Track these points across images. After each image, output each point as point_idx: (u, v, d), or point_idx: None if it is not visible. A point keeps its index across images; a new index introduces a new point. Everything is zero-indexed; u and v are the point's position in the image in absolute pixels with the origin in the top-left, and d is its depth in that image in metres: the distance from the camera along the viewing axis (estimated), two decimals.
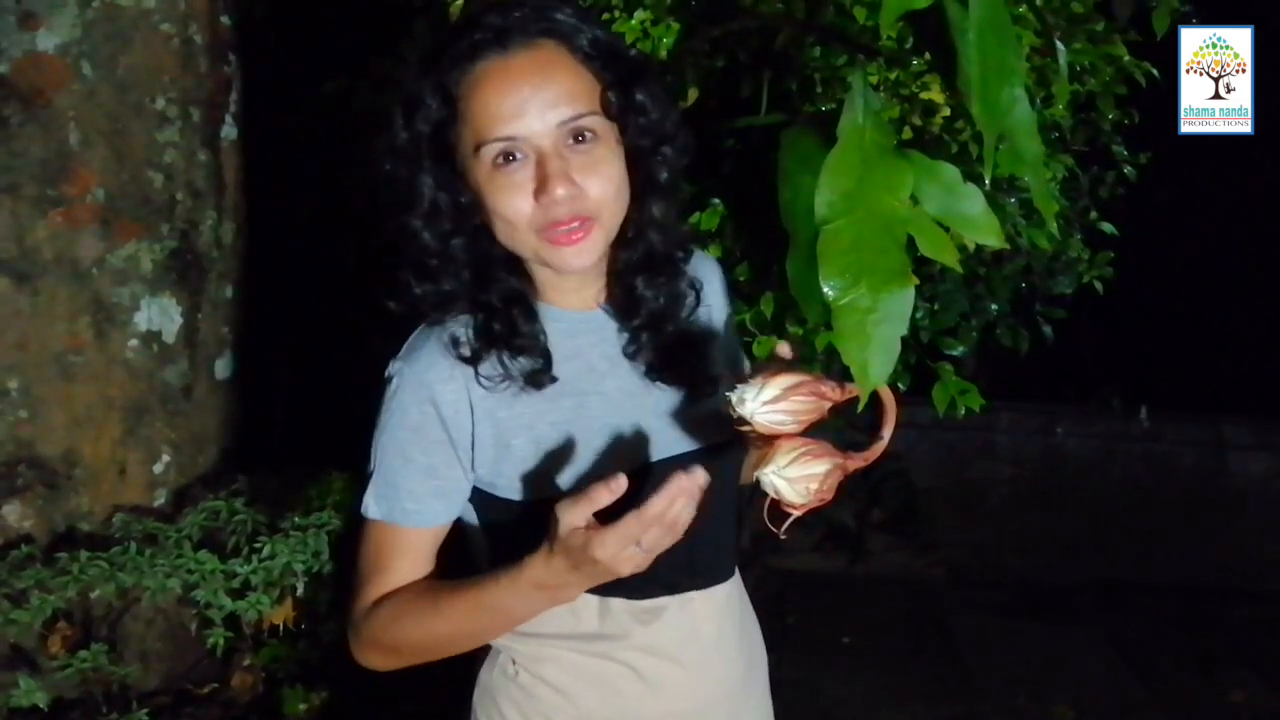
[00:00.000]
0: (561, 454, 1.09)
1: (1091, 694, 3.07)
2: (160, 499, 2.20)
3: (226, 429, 2.34)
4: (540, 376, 1.07)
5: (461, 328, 1.08)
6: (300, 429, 2.50)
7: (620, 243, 1.08)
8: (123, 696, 2.04)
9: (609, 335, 1.13)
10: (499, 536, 1.13)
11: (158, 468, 2.20)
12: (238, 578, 1.97)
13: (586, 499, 0.96)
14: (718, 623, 1.18)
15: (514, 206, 1.00)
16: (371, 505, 1.11)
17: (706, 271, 1.22)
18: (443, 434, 1.08)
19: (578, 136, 1.00)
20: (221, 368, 2.31)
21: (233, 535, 2.05)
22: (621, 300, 1.12)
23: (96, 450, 2.14)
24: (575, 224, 1.01)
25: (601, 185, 1.01)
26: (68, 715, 2.04)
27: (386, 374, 1.10)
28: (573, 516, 0.96)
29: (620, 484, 0.95)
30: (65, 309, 2.08)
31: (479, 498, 1.13)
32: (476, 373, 1.06)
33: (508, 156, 0.99)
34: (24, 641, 2.05)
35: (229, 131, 2.27)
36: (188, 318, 2.20)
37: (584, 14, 1.04)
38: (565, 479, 1.09)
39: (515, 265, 1.09)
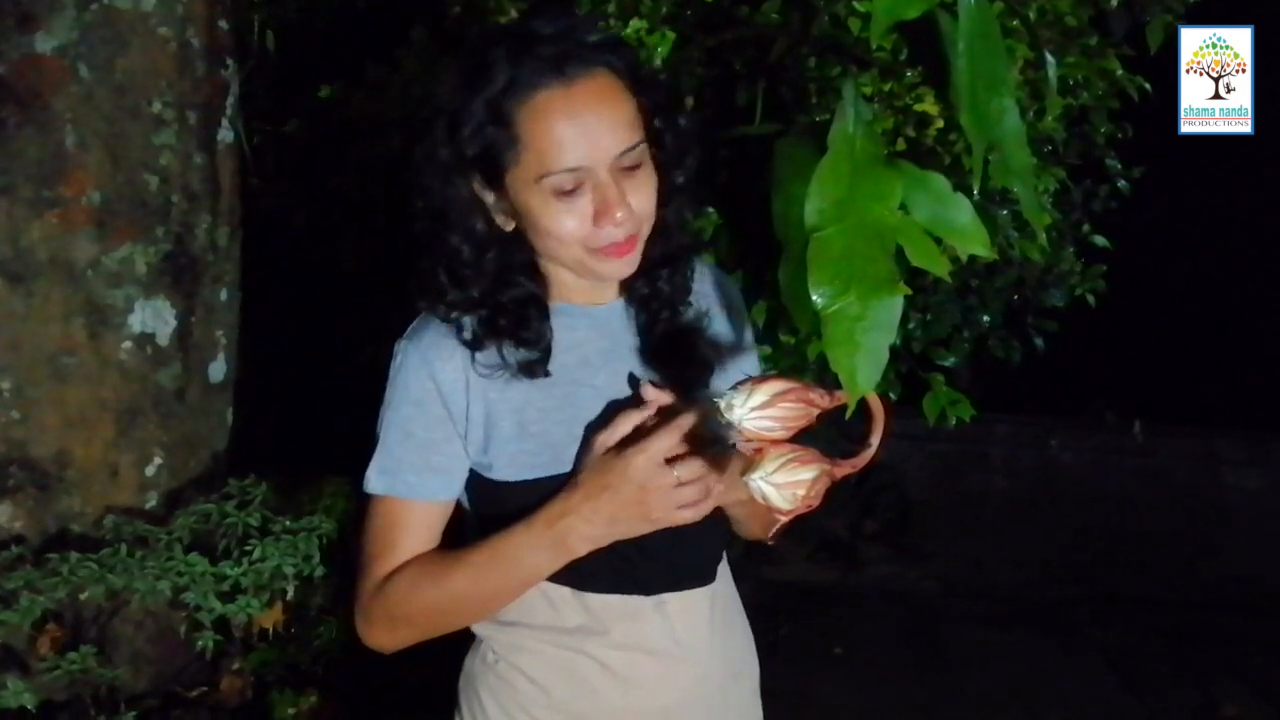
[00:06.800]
0: (545, 439, 1.12)
1: (1083, 707, 3.08)
2: (152, 501, 2.20)
3: (219, 432, 2.34)
4: (535, 367, 1.11)
5: (467, 315, 1.13)
6: (293, 433, 2.50)
7: (647, 242, 1.13)
8: (111, 699, 2.03)
9: (610, 331, 1.17)
10: (489, 520, 1.16)
11: (150, 470, 2.20)
12: (228, 580, 1.97)
13: (621, 417, 1.07)
14: (695, 625, 1.19)
15: (567, 227, 1.05)
16: (374, 478, 1.15)
17: (723, 285, 1.27)
18: (442, 410, 1.12)
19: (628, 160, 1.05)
20: (215, 371, 2.30)
21: (223, 538, 2.04)
22: (642, 293, 1.17)
23: (88, 452, 2.13)
24: (626, 241, 1.06)
25: (646, 203, 1.07)
26: (56, 717, 2.03)
27: (393, 351, 1.15)
28: (605, 436, 1.07)
29: (653, 403, 1.07)
30: (59, 310, 2.08)
31: (473, 479, 1.16)
32: (474, 358, 1.11)
33: (568, 183, 1.03)
34: (13, 642, 2.04)
35: (225, 135, 2.27)
36: (182, 320, 2.20)
37: (619, 37, 1.14)
38: (548, 464, 1.12)
39: (534, 267, 1.14)
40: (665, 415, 1.06)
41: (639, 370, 1.16)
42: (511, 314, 1.11)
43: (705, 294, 1.23)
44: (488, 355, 1.11)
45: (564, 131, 1.01)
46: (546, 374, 1.12)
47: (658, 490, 1.03)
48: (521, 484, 1.12)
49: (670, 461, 1.04)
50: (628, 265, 1.09)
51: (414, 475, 1.13)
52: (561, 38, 1.03)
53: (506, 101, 1.02)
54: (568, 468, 1.11)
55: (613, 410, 1.11)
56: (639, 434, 1.06)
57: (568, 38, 1.03)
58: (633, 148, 1.04)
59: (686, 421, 1.04)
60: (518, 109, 1.02)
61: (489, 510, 1.16)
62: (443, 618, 1.15)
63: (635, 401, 1.12)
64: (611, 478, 1.04)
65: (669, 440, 1.03)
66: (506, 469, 1.13)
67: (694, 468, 1.04)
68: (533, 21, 1.06)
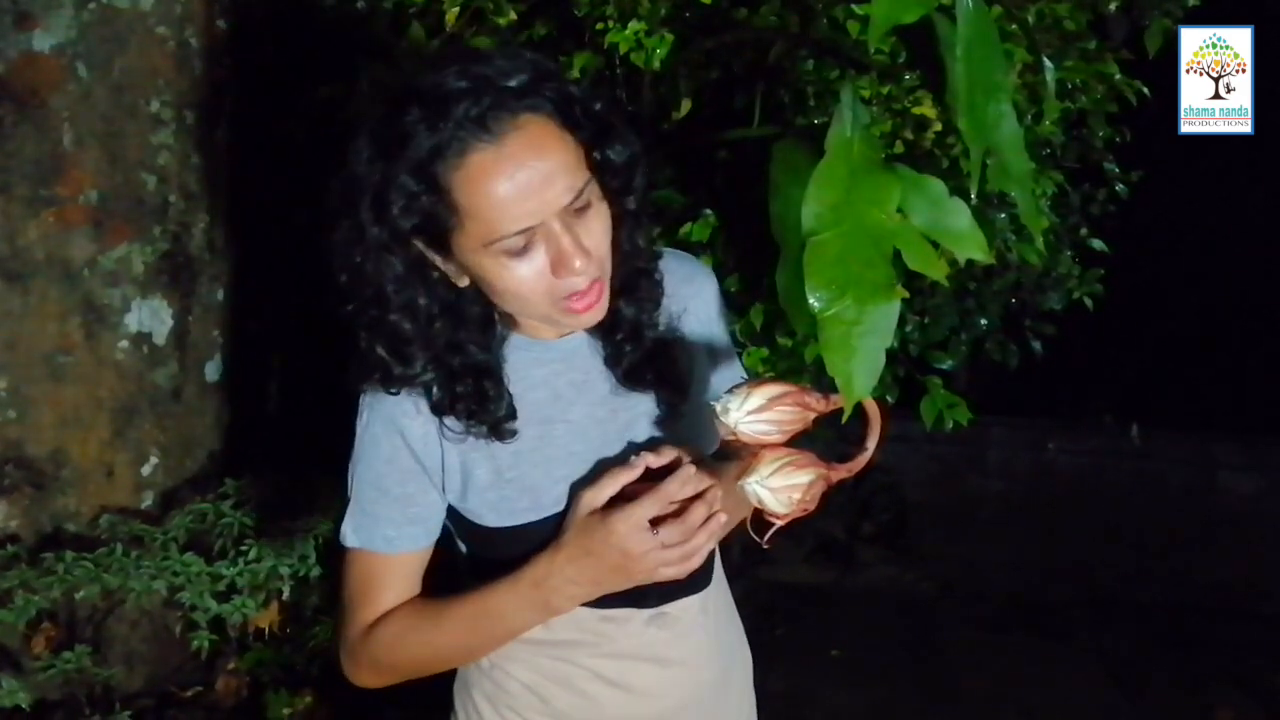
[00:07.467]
0: (521, 484, 1.10)
1: (1079, 710, 3.07)
2: (147, 501, 2.20)
3: (215, 432, 2.34)
4: (502, 430, 1.07)
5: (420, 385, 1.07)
6: (289, 433, 2.50)
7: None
8: (106, 698, 2.03)
9: (578, 362, 1.14)
10: (480, 558, 1.16)
11: (146, 469, 2.20)
12: (223, 580, 1.97)
13: (607, 478, 1.04)
14: (691, 630, 1.19)
15: (527, 284, 0.98)
16: (350, 535, 1.13)
17: (699, 283, 1.22)
18: (415, 464, 1.09)
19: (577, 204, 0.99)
20: (211, 370, 2.31)
21: (219, 538, 2.04)
22: (606, 322, 1.10)
23: (84, 451, 2.13)
24: (590, 288, 1.00)
25: (602, 242, 1.01)
26: (51, 716, 2.03)
27: (359, 406, 1.11)
28: (590, 496, 1.04)
29: (640, 464, 1.04)
30: (56, 309, 2.08)
31: (457, 519, 1.15)
32: (440, 420, 1.07)
33: (518, 244, 0.96)
34: (8, 641, 2.04)
35: (223, 134, 2.27)
36: (178, 320, 2.20)
37: (540, 67, 0.99)
38: (527, 509, 1.10)
39: (487, 320, 1.08)
40: (655, 473, 1.04)
41: (615, 399, 1.13)
42: (465, 382, 1.05)
43: (676, 293, 1.17)
44: (451, 421, 1.07)
45: (505, 194, 0.93)
46: (513, 433, 1.08)
47: (641, 555, 1.01)
48: (503, 530, 1.11)
49: (655, 523, 1.01)
50: (597, 313, 1.03)
51: (392, 529, 1.11)
52: (478, 90, 0.93)
53: (436, 168, 0.93)
54: (549, 511, 1.09)
55: (600, 466, 1.09)
56: (625, 493, 1.04)
57: (485, 89, 0.93)
58: (579, 193, 0.96)
59: (673, 486, 1.01)
60: (450, 175, 0.93)
61: (478, 551, 1.16)
62: (428, 666, 1.15)
63: (613, 433, 1.11)
64: (594, 543, 1.02)
65: (653, 507, 1.01)
66: (488, 516, 1.11)
67: (677, 531, 1.02)
68: (443, 75, 0.94)
